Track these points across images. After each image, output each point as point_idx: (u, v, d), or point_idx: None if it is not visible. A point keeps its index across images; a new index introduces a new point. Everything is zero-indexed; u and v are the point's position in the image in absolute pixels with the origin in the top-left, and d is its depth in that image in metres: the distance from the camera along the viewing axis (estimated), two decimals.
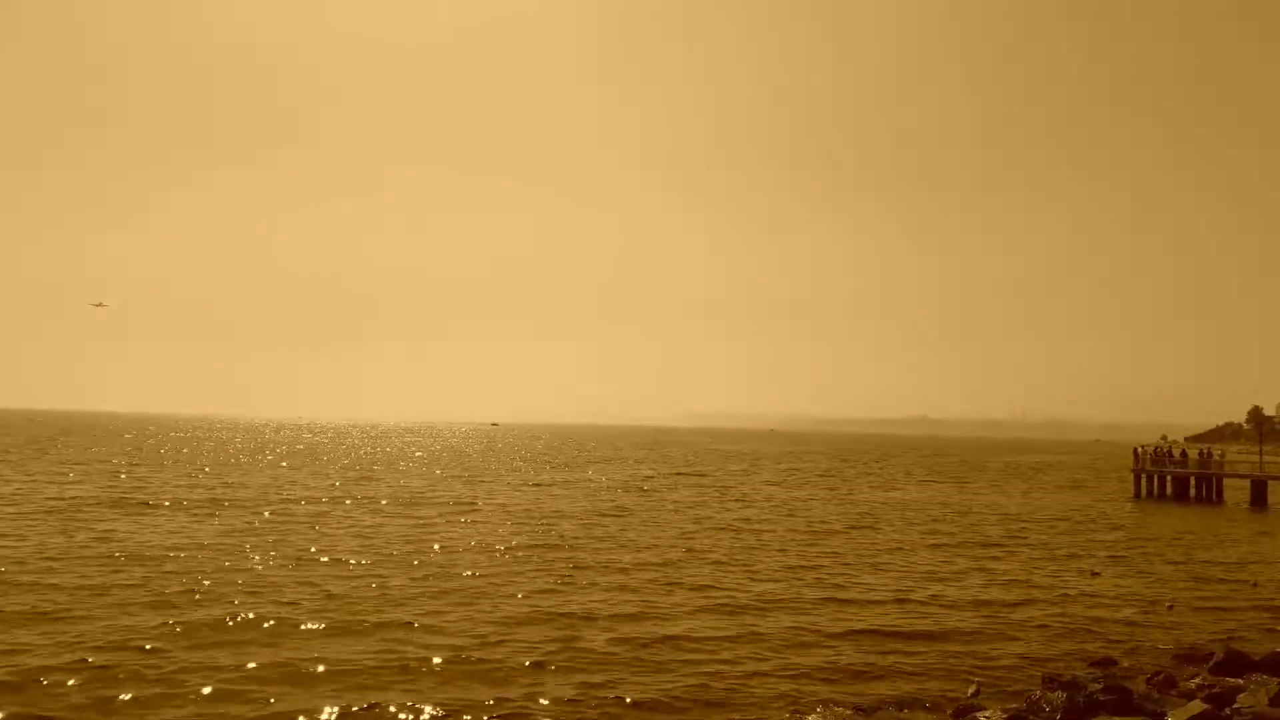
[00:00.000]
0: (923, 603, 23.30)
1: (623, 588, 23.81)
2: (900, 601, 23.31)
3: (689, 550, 30.91)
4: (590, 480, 65.48)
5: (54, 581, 22.10)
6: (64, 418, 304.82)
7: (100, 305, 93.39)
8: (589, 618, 20.12)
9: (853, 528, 39.57)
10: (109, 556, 25.93)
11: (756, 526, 38.96)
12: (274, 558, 26.71)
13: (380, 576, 24.24)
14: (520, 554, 28.91)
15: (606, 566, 27.03)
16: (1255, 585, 26.93)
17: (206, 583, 22.64)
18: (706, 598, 22.90)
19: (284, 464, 74.78)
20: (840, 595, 23.93)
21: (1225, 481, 60.42)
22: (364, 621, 19.15)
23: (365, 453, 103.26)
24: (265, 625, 18.59)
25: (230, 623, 18.68)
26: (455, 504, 44.88)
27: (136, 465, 67.23)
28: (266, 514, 37.87)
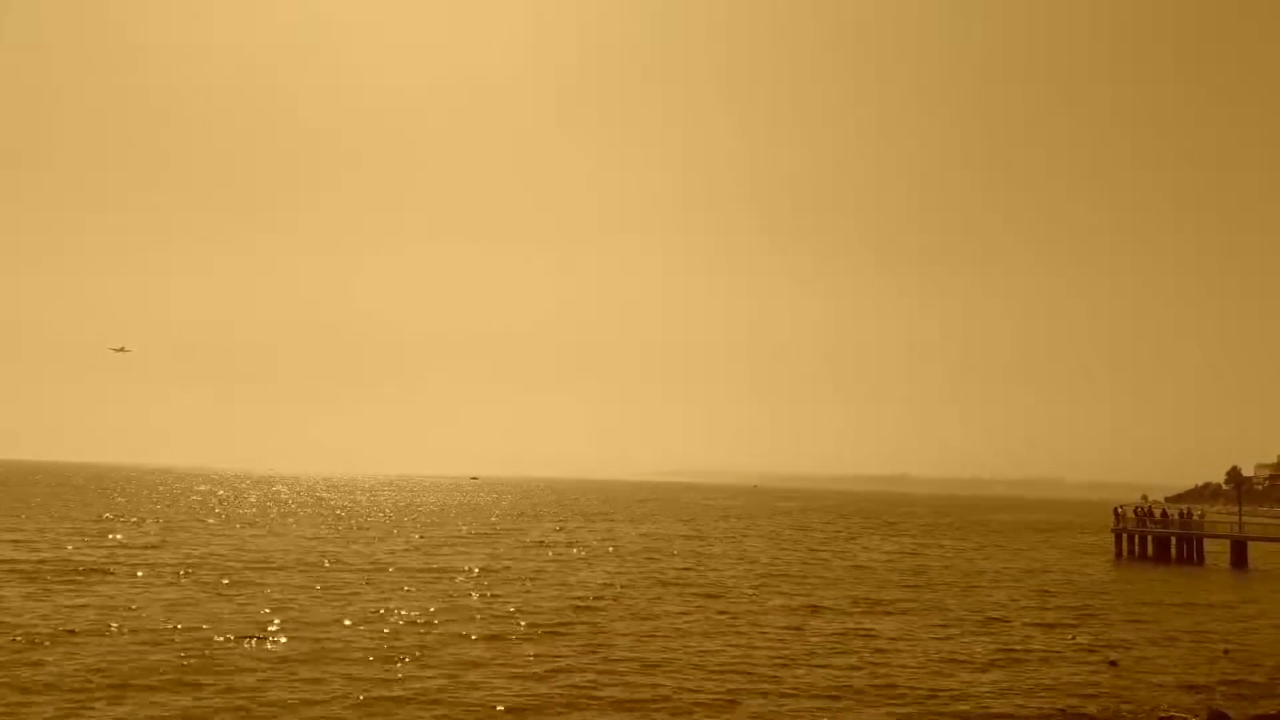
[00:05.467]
0: (908, 666, 23.44)
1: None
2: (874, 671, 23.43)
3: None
4: (610, 541, 65.10)
5: None
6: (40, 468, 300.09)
7: (122, 350, 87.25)
8: None
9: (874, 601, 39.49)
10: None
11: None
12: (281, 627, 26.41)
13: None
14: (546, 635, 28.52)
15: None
16: (1226, 651, 27.12)
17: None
18: None
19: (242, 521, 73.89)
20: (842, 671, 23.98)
21: (1206, 542, 60.90)
22: None
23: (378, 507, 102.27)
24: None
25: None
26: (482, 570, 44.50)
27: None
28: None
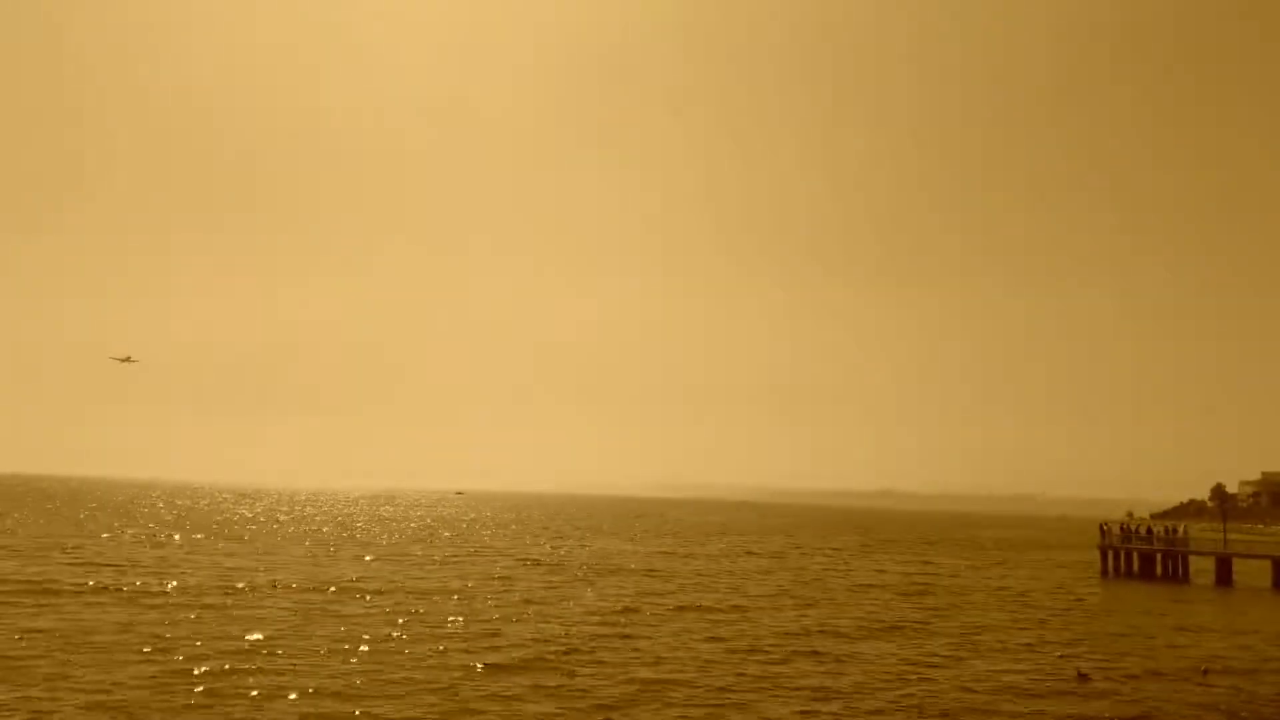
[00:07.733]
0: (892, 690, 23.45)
1: None
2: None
3: None
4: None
5: None
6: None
7: (128, 360, 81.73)
8: None
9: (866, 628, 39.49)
10: None
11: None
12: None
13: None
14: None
15: None
16: (1206, 671, 26.83)
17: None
18: None
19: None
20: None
21: (1191, 558, 61.09)
22: None
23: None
24: None
25: None
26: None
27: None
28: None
